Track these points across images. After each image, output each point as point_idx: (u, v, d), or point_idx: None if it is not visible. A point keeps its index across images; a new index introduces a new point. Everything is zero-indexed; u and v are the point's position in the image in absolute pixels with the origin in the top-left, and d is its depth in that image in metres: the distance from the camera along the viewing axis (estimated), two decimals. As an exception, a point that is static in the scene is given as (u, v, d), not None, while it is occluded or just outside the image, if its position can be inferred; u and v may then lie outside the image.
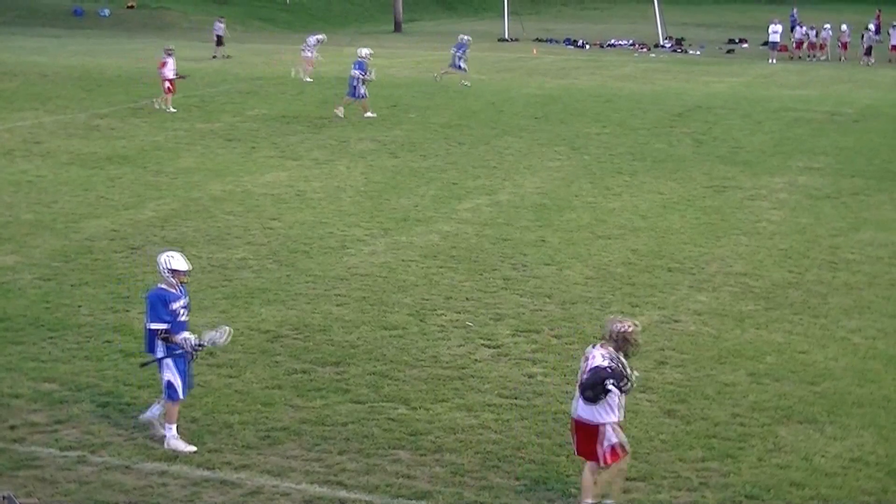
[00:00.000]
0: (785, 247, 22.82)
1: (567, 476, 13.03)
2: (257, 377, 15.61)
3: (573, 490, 12.65)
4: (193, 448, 13.32)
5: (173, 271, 13.52)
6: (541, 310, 18.72)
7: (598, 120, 37.50)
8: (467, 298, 19.22)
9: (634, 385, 12.14)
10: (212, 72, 50.97)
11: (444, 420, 14.45)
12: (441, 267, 20.95)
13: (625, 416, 12.27)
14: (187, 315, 13.72)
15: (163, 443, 13.39)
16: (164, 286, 13.56)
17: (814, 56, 68.37)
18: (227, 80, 47.96)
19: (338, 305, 18.70)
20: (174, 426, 13.45)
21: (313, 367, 16.06)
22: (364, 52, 39.24)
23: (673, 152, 32.59)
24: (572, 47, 73.86)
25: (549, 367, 16.29)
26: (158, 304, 13.38)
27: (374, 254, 21.73)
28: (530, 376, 15.99)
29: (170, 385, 13.43)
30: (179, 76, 39.53)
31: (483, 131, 35.30)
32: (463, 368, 16.23)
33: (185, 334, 13.46)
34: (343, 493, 12.55)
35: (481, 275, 20.50)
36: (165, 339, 13.36)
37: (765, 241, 23.28)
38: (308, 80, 47.67)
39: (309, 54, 49.48)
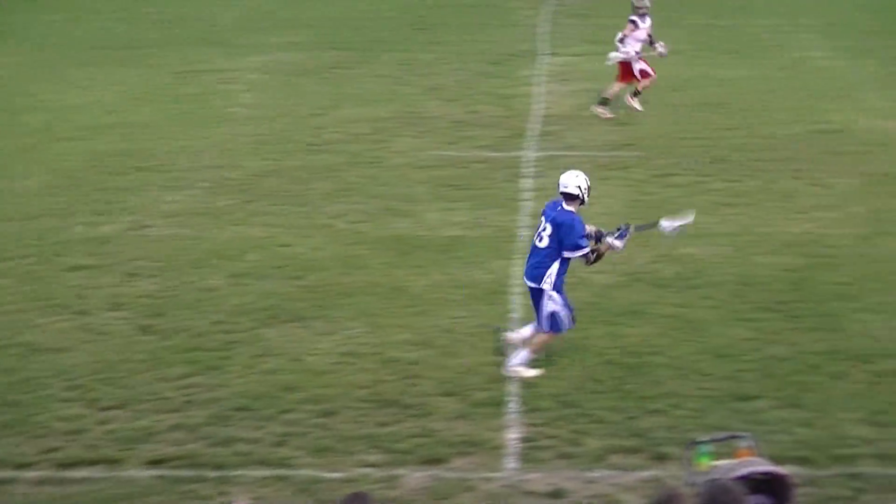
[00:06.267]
0: (262, 132, 21.95)
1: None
2: None
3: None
4: (538, 372, 12.68)
5: (590, 189, 12.66)
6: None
7: (50, 6, 35.10)
8: None
9: None
10: None
11: None
12: None
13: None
14: None
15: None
16: (570, 208, 12.53)
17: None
18: None
19: None
20: (534, 356, 12.76)
21: None
22: None
23: (139, 37, 30.91)
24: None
25: None
26: (580, 227, 12.46)
27: None
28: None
29: (554, 316, 12.64)
30: None
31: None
32: None
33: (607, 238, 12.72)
34: None
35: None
36: (596, 258, 12.67)
37: (240, 127, 22.26)
38: None
39: None
